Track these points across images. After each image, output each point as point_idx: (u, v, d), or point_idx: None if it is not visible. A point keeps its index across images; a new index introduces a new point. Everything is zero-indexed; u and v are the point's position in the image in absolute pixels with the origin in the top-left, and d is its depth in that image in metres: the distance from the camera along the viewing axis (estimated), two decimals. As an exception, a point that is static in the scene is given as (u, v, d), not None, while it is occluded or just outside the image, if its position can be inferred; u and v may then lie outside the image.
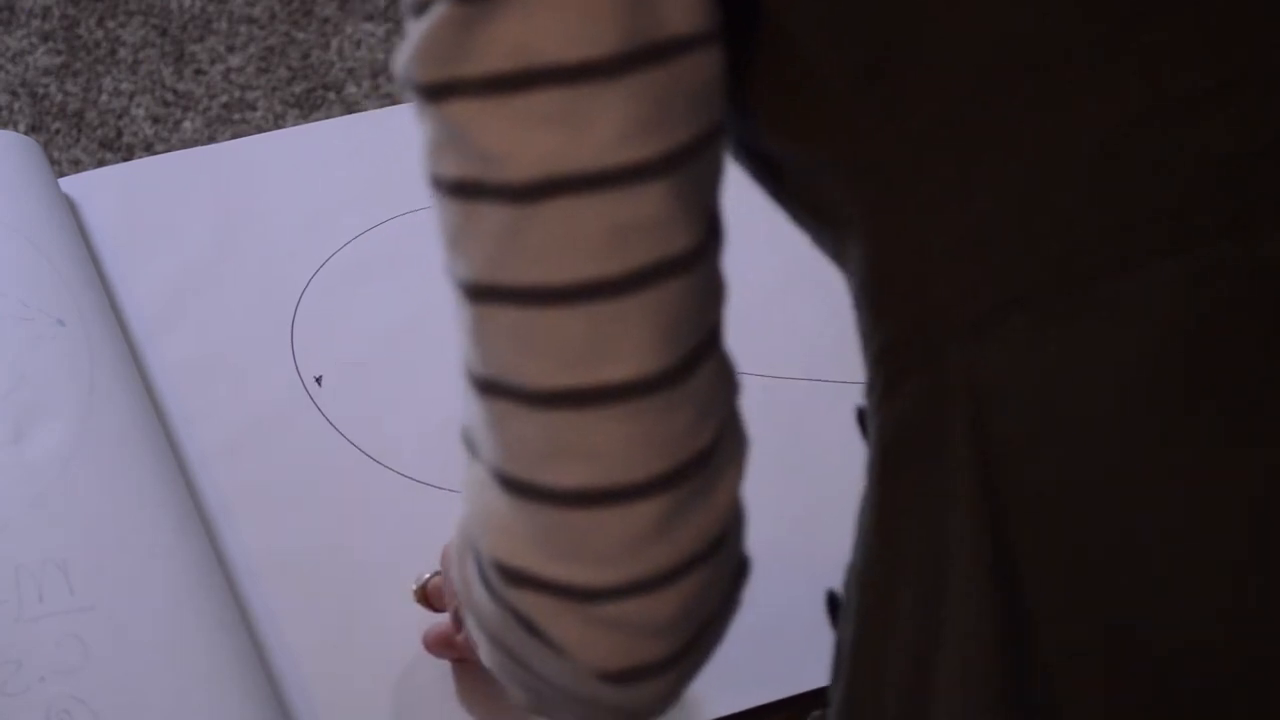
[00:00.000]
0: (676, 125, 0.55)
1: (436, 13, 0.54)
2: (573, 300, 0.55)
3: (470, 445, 0.61)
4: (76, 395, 0.92)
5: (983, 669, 0.56)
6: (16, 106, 2.20)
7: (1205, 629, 0.53)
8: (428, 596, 0.85)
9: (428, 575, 0.85)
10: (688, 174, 0.55)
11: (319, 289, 1.04)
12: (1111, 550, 0.54)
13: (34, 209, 1.03)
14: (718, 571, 0.60)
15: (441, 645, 0.84)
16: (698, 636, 0.61)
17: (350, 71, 2.30)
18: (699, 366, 0.58)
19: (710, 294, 0.59)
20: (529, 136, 0.54)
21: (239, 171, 1.12)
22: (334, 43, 2.34)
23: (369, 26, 2.37)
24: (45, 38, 2.30)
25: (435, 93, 0.55)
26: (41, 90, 2.21)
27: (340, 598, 0.87)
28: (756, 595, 0.88)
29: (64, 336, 0.96)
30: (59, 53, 2.28)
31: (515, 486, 0.58)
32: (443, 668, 0.85)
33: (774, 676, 0.84)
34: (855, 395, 0.98)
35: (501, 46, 0.53)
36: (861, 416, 0.62)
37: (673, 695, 0.62)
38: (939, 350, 0.57)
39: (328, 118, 1.21)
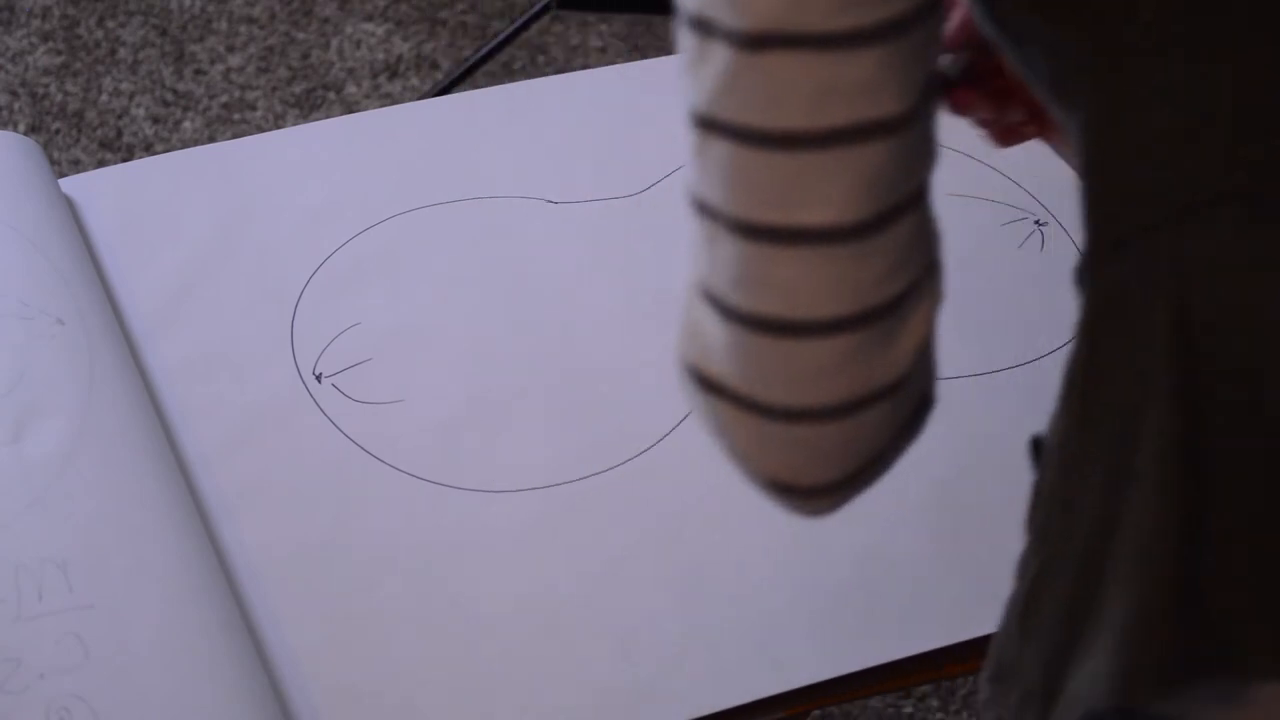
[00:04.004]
0: None
1: None
2: (779, 146, 0.58)
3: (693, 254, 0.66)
4: (76, 394, 0.92)
5: (1160, 533, 0.58)
6: (16, 106, 2.20)
7: None
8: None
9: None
10: (903, 44, 0.57)
11: (319, 288, 1.04)
12: None
13: (34, 209, 1.03)
14: (892, 410, 0.64)
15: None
16: (864, 467, 0.65)
17: (350, 71, 2.30)
18: (895, 222, 0.60)
19: (917, 157, 0.61)
20: None
21: (239, 171, 1.12)
22: (334, 43, 2.34)
23: (369, 26, 2.37)
24: (45, 38, 2.30)
25: None
26: (41, 90, 2.21)
27: (340, 597, 0.87)
28: (757, 593, 0.88)
29: (64, 336, 0.96)
30: (59, 53, 2.28)
31: (713, 300, 0.63)
32: (442, 668, 0.85)
33: (773, 672, 0.85)
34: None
35: None
36: (1080, 275, 0.65)
37: (831, 511, 0.66)
38: (1150, 229, 0.59)
39: (328, 118, 1.21)
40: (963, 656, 0.87)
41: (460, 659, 0.85)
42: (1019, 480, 0.94)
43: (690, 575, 0.89)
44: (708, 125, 0.61)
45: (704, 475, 0.94)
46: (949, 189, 1.17)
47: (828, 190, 0.59)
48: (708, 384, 0.64)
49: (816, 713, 0.92)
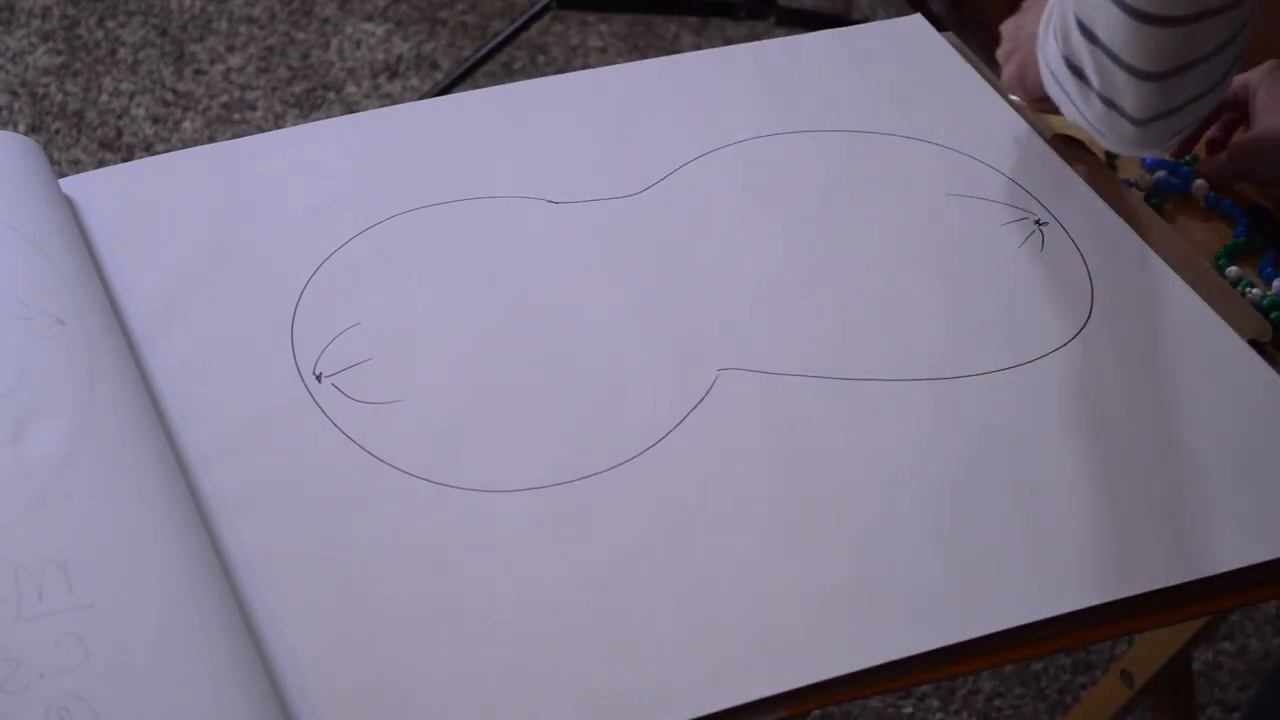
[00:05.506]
0: None
1: None
2: None
3: None
4: (76, 394, 0.92)
5: None
6: (16, 106, 2.20)
7: None
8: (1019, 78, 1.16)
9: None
10: None
11: (319, 288, 1.04)
12: None
13: (34, 209, 1.03)
14: (1198, 78, 0.96)
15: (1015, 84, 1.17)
16: (1159, 117, 0.99)
17: (350, 71, 2.30)
18: None
19: None
20: None
21: (239, 171, 1.12)
22: (334, 43, 2.34)
23: (369, 26, 2.37)
24: (45, 38, 2.30)
25: None
26: (41, 90, 2.21)
27: (340, 597, 0.87)
28: (757, 593, 0.88)
29: (64, 336, 0.96)
30: (59, 53, 2.28)
31: None
32: (442, 668, 0.85)
33: (773, 672, 0.85)
34: (854, 392, 0.98)
35: None
36: None
37: (1133, 145, 1.02)
38: None
39: (328, 118, 1.21)
40: (963, 656, 0.87)
41: (460, 659, 0.85)
42: (1019, 480, 0.94)
43: (690, 575, 0.89)
44: None
45: (704, 475, 0.94)
46: (949, 189, 1.17)
47: None
48: (1087, 33, 0.97)
49: (816, 713, 0.92)
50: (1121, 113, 0.99)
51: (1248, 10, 0.94)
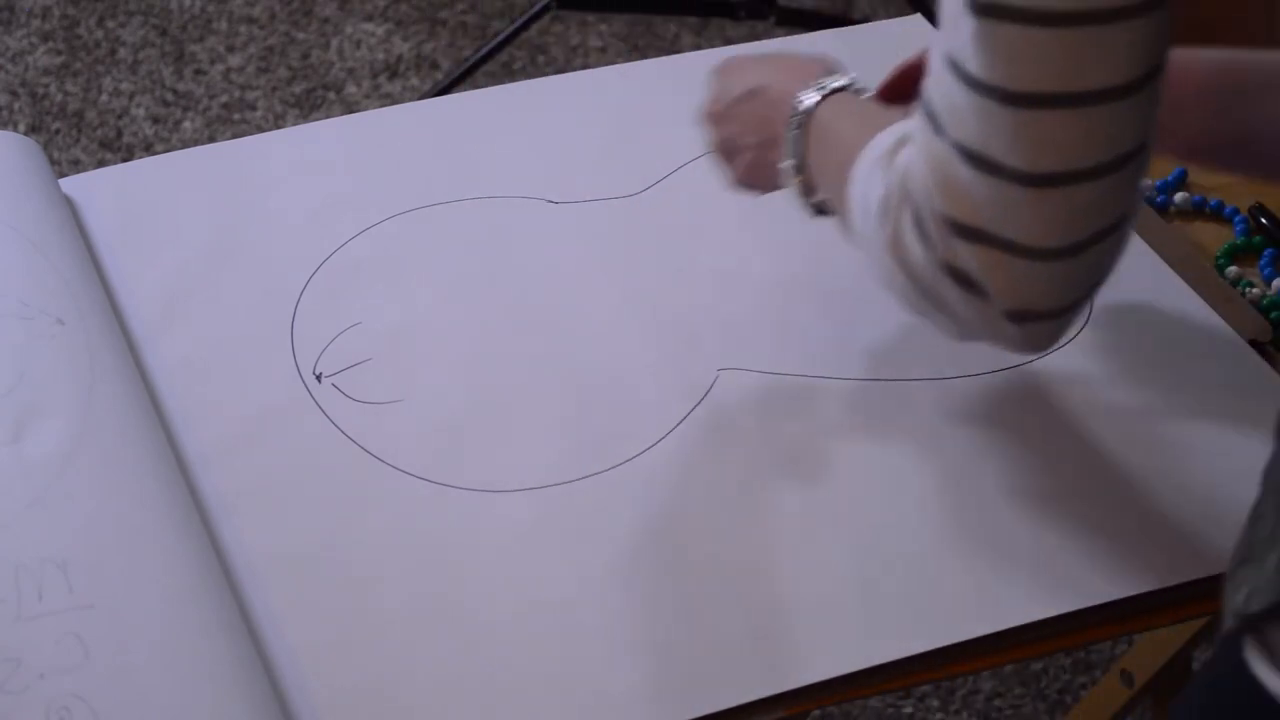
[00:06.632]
0: None
1: None
2: (1063, 24, 0.70)
3: (933, 120, 0.76)
4: (76, 395, 0.92)
5: None
6: (16, 106, 2.20)
7: None
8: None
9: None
10: None
11: (319, 288, 1.04)
12: None
13: (34, 209, 1.03)
14: (1119, 240, 0.78)
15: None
16: (1083, 297, 0.79)
17: (350, 71, 2.30)
18: (1150, 83, 0.73)
19: (1167, 29, 0.73)
20: None
21: (239, 171, 1.12)
22: (334, 43, 2.34)
23: (369, 26, 2.37)
24: (45, 38, 2.30)
25: None
26: (41, 90, 2.21)
27: (340, 597, 0.88)
28: (757, 593, 0.88)
29: (64, 336, 0.96)
30: (59, 53, 2.28)
31: (983, 163, 0.74)
32: (442, 668, 0.85)
33: (773, 672, 0.85)
34: (851, 392, 0.98)
35: None
36: None
37: (1051, 340, 0.80)
38: None
39: (328, 118, 1.21)
40: (963, 656, 0.87)
41: (460, 659, 0.85)
42: (1019, 481, 0.94)
43: (689, 575, 0.89)
44: (988, 11, 0.71)
45: (704, 475, 0.94)
46: (949, 189, 1.16)
47: (1108, 58, 0.71)
48: (969, 232, 0.75)
49: (816, 713, 0.92)
50: (1036, 316, 0.78)
51: (1146, 160, 0.77)
